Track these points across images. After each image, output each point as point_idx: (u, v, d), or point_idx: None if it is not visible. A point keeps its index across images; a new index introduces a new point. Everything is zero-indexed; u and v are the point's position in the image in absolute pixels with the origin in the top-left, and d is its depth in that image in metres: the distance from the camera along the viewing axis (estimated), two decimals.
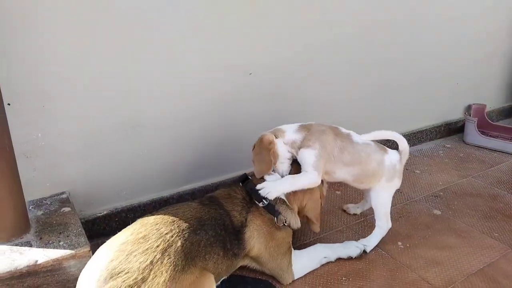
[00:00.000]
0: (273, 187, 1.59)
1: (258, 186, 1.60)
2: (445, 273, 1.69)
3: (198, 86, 1.93)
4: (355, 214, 2.10)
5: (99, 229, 1.84)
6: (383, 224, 1.82)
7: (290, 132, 1.71)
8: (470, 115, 3.16)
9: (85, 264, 1.41)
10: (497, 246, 1.87)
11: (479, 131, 3.06)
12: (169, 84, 1.85)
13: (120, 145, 1.80)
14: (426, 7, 2.66)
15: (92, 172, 1.78)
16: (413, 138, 2.98)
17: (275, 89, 2.18)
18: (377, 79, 2.60)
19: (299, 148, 1.67)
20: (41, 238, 1.46)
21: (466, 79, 3.17)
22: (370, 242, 1.82)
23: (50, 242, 1.44)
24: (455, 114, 3.25)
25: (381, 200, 1.80)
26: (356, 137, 1.74)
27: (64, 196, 1.72)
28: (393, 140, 1.81)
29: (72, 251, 1.39)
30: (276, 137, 1.70)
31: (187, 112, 1.94)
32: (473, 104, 3.22)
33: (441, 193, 2.34)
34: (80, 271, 1.41)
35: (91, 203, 1.82)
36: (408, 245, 1.87)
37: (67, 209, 1.64)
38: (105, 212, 1.85)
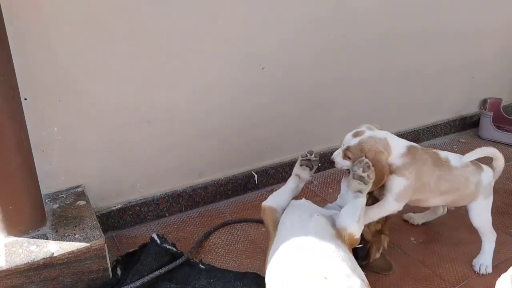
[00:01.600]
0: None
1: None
2: (458, 269, 1.68)
3: (213, 80, 1.94)
4: (417, 225, 1.99)
5: (114, 222, 1.87)
6: (490, 238, 1.74)
7: (396, 156, 1.54)
8: (485, 109, 3.11)
9: (100, 257, 1.44)
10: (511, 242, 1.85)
11: (494, 125, 3.01)
12: (183, 78, 1.86)
13: (134, 139, 1.82)
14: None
15: (106, 166, 1.80)
16: (427, 132, 2.95)
17: (289, 83, 2.18)
18: (393, 73, 2.58)
19: (391, 172, 1.54)
20: (57, 231, 1.49)
21: (482, 73, 3.11)
22: (486, 260, 1.71)
23: (66, 235, 1.47)
24: (470, 108, 3.20)
25: (483, 219, 1.72)
26: (454, 160, 1.63)
27: (79, 189, 1.75)
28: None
29: (87, 244, 1.42)
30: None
31: (201, 106, 1.95)
32: (489, 98, 3.17)
33: None
34: (96, 264, 1.44)
35: (106, 196, 1.85)
36: (421, 240, 1.86)
37: (82, 202, 1.67)
38: (119, 206, 1.87)
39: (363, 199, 1.46)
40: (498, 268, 1.68)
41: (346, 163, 1.60)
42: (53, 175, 1.70)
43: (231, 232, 1.91)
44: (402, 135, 2.75)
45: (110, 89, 1.70)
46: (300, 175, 1.66)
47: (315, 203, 1.57)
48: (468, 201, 1.68)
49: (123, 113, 1.76)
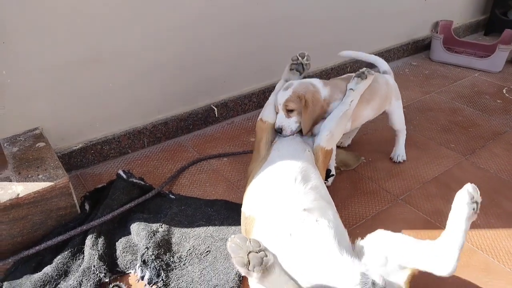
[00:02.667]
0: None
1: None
2: (402, 182, 1.85)
3: (163, 14, 1.89)
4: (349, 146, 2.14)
5: (76, 162, 1.90)
6: (403, 133, 1.97)
7: (321, 89, 1.63)
8: (437, 32, 3.20)
9: (66, 194, 1.49)
10: (452, 155, 2.02)
11: (445, 47, 3.12)
12: (132, 12, 1.81)
13: (86, 79, 1.80)
14: None
15: (61, 107, 1.80)
16: (381, 57, 2.99)
17: (243, 16, 2.16)
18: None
19: (328, 104, 1.63)
20: (19, 173, 1.52)
21: None
22: (402, 151, 1.99)
23: (29, 176, 1.50)
24: (423, 31, 3.28)
25: (399, 118, 1.94)
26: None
27: (37, 131, 1.75)
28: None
29: (52, 183, 1.46)
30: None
31: (153, 42, 1.92)
32: (441, 20, 3.24)
33: (404, 110, 2.44)
34: (63, 201, 1.50)
35: (65, 137, 1.86)
36: (370, 159, 2.01)
37: (42, 144, 1.68)
38: (80, 145, 1.90)
39: (345, 106, 1.60)
40: (438, 179, 1.86)
41: (294, 122, 1.60)
42: (8, 119, 1.69)
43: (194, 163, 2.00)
44: (357, 61, 2.84)
45: (55, 27, 1.64)
46: (289, 79, 1.70)
47: None
48: (386, 105, 1.85)
49: (71, 53, 1.72)
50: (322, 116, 1.63)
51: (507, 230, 1.58)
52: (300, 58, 1.70)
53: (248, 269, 0.94)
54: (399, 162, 1.98)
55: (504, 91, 2.68)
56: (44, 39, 1.64)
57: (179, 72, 2.08)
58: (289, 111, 1.60)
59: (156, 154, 2.07)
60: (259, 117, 1.66)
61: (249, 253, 0.94)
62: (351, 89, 1.64)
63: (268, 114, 1.65)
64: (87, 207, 1.64)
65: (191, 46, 2.06)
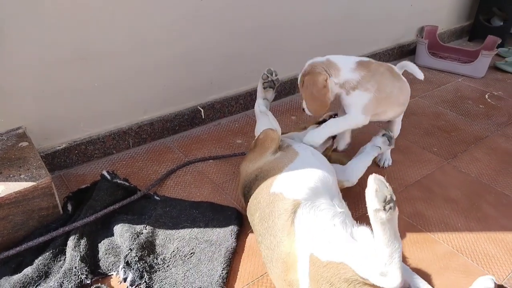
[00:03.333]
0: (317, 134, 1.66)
1: (304, 139, 1.68)
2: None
3: (151, 14, 1.89)
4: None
5: (60, 162, 1.88)
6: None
7: (347, 71, 1.57)
8: (422, 37, 3.25)
9: (48, 194, 1.48)
10: (434, 159, 2.06)
11: (430, 52, 3.17)
12: (119, 12, 1.80)
13: (71, 77, 1.79)
14: None
15: (45, 106, 1.78)
16: None
17: (232, 17, 2.16)
18: (335, 4, 2.60)
19: (353, 89, 1.57)
20: (1, 173, 1.50)
21: (420, 0, 3.21)
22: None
23: (11, 175, 1.48)
24: (408, 36, 3.32)
25: (399, 125, 1.93)
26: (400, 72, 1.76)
27: (20, 131, 1.73)
28: None
29: (34, 183, 1.45)
30: (329, 75, 1.58)
31: (140, 41, 1.91)
32: (426, 26, 3.29)
33: None
34: (45, 202, 1.48)
35: (49, 136, 1.84)
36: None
37: (24, 143, 1.66)
38: (64, 145, 1.88)
39: (371, 158, 1.71)
40: (420, 182, 1.89)
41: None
42: None
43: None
44: None
45: (41, 24, 1.63)
46: (267, 97, 1.78)
47: None
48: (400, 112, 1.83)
49: (56, 51, 1.70)
50: (329, 100, 1.61)
51: (487, 234, 1.61)
52: (269, 76, 1.78)
53: (384, 207, 1.01)
54: (385, 167, 1.98)
55: (487, 96, 2.74)
56: (28, 36, 1.62)
57: (165, 73, 2.07)
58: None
59: (141, 155, 2.06)
60: (267, 127, 1.65)
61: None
62: (378, 146, 1.71)
63: (275, 126, 1.67)
64: (69, 207, 1.62)
65: (178, 47, 2.05)
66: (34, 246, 1.42)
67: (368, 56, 3.00)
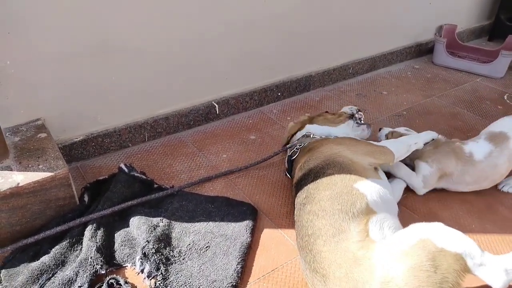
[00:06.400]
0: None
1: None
2: None
3: (170, 9, 1.90)
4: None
5: (77, 154, 1.91)
6: None
7: None
8: (440, 36, 3.20)
9: (65, 185, 1.51)
10: None
11: (448, 51, 3.12)
12: (140, 6, 1.82)
13: (90, 70, 1.81)
14: None
15: (65, 99, 1.81)
16: (384, 60, 3.03)
17: (248, 13, 2.17)
18: (353, 1, 2.59)
19: (417, 157, 1.76)
20: (20, 163, 1.53)
21: None
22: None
23: (30, 166, 1.51)
24: (426, 35, 3.28)
25: None
26: (478, 153, 1.71)
27: (39, 122, 1.76)
28: None
29: (52, 173, 1.47)
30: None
31: (160, 36, 1.93)
32: (445, 24, 3.25)
33: (405, 113, 2.46)
34: (62, 192, 1.51)
35: (67, 128, 1.87)
36: None
37: (43, 135, 1.69)
38: (81, 138, 1.91)
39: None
40: None
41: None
42: (11, 109, 1.70)
43: (193, 159, 2.00)
44: (359, 62, 2.85)
45: (61, 19, 1.65)
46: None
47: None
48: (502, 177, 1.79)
49: (77, 44, 1.73)
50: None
51: (502, 236, 1.59)
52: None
53: None
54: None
55: (505, 97, 2.69)
56: (48, 30, 1.64)
57: (182, 68, 2.08)
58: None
59: (156, 148, 2.08)
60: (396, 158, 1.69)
61: None
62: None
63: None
64: (86, 198, 1.65)
65: (195, 43, 2.06)
66: (51, 235, 1.45)
67: (385, 55, 3.00)
